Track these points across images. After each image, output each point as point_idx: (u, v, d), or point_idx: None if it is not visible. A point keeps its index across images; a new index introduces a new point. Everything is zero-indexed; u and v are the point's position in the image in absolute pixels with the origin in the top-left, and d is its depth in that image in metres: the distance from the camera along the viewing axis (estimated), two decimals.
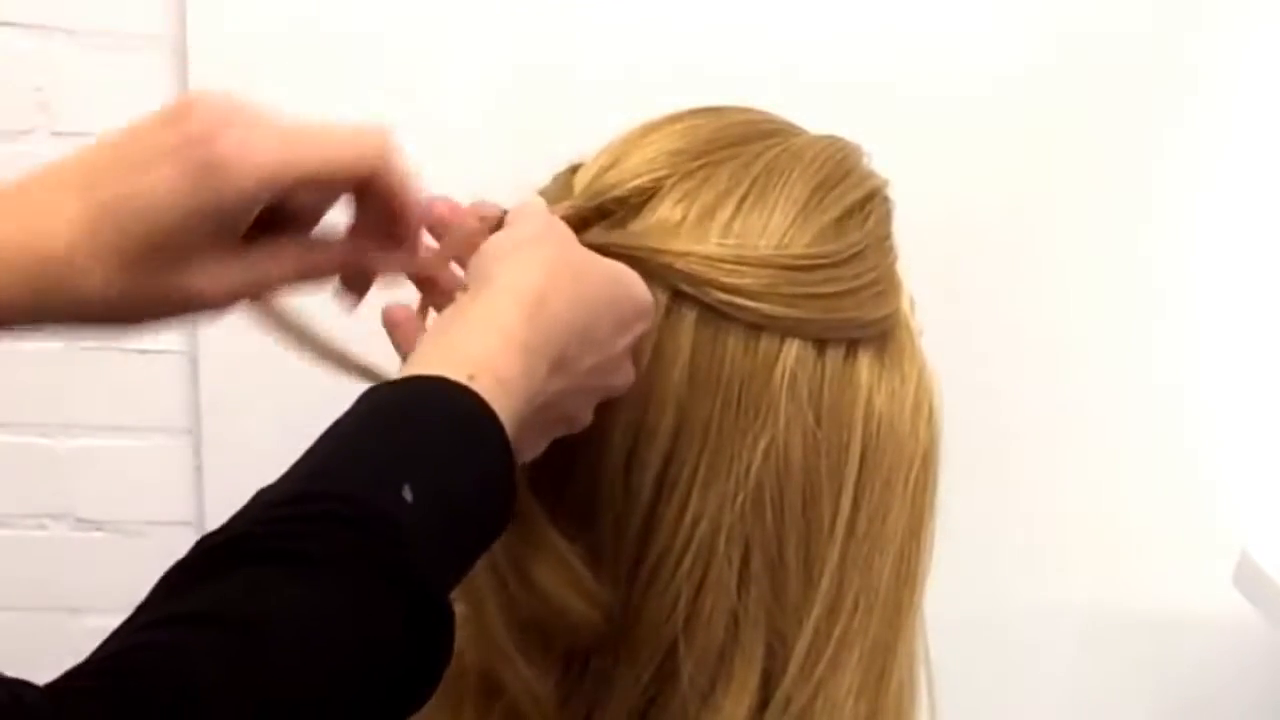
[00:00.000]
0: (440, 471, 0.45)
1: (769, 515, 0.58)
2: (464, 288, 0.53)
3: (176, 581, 0.41)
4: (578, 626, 0.59)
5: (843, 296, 0.58)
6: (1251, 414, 1.31)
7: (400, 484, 0.43)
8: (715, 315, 0.56)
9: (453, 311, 0.51)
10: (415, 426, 0.46)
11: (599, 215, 0.58)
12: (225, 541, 0.42)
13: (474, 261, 0.53)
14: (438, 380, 0.47)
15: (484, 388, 0.47)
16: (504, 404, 0.47)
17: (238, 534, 0.42)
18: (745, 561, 0.58)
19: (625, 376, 0.56)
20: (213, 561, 0.41)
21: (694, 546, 0.58)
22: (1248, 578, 1.26)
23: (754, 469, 0.57)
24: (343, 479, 0.44)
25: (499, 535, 0.48)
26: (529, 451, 0.54)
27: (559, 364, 0.50)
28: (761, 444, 0.57)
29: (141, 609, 0.41)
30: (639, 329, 0.55)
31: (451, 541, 0.45)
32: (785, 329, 0.57)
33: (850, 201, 0.60)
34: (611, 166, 0.59)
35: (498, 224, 0.56)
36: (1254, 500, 1.33)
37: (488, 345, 0.48)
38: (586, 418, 0.56)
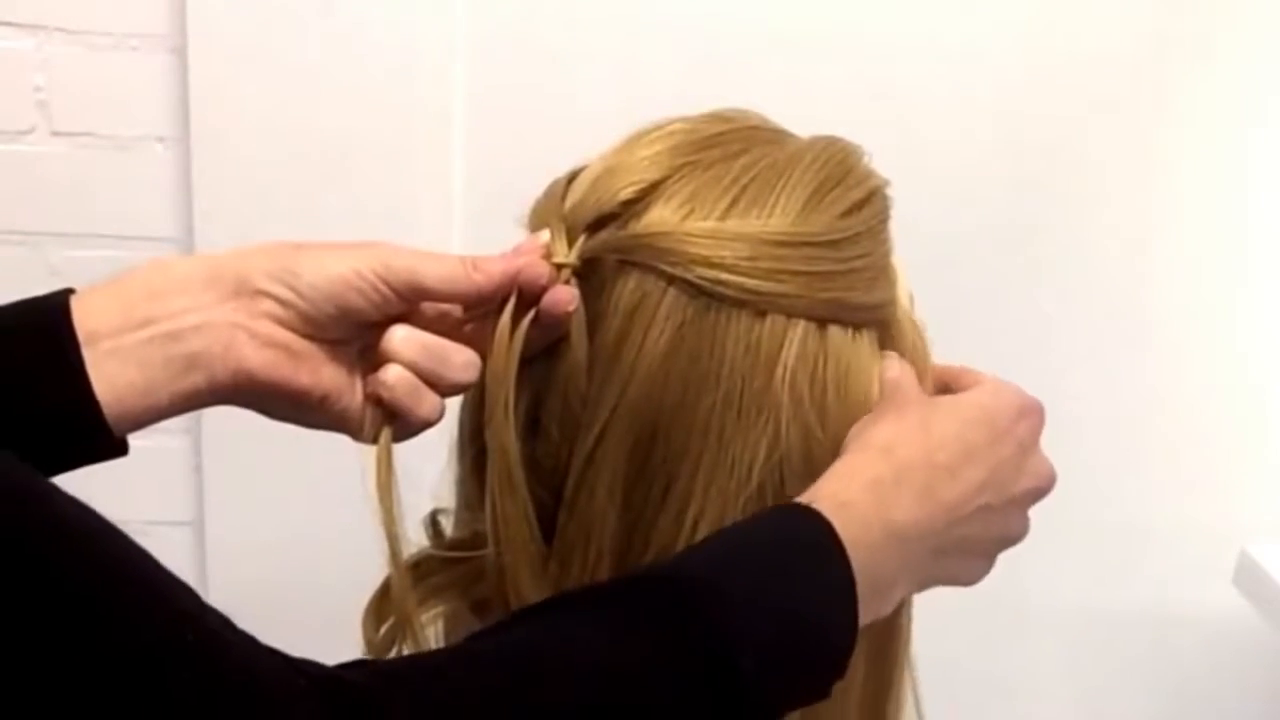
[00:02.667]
0: (767, 568, 0.50)
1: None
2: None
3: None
4: None
5: (831, 277, 0.58)
6: (1251, 414, 1.31)
7: (728, 571, 0.50)
8: (707, 300, 0.56)
9: None
10: (741, 531, 0.53)
11: (599, 225, 0.58)
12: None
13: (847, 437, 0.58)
14: (773, 507, 0.55)
15: (824, 509, 0.52)
16: (842, 519, 0.52)
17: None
18: None
19: (1037, 471, 0.60)
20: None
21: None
22: (1248, 578, 1.26)
23: (757, 467, 0.57)
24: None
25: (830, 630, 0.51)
26: (939, 573, 0.58)
27: (927, 491, 0.55)
28: (765, 442, 0.57)
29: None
30: (1025, 427, 0.60)
31: (773, 622, 0.49)
32: (773, 305, 0.56)
33: (850, 201, 0.60)
34: (609, 173, 0.59)
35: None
36: (1254, 500, 1.33)
37: (829, 481, 0.55)
38: (1021, 527, 0.60)
